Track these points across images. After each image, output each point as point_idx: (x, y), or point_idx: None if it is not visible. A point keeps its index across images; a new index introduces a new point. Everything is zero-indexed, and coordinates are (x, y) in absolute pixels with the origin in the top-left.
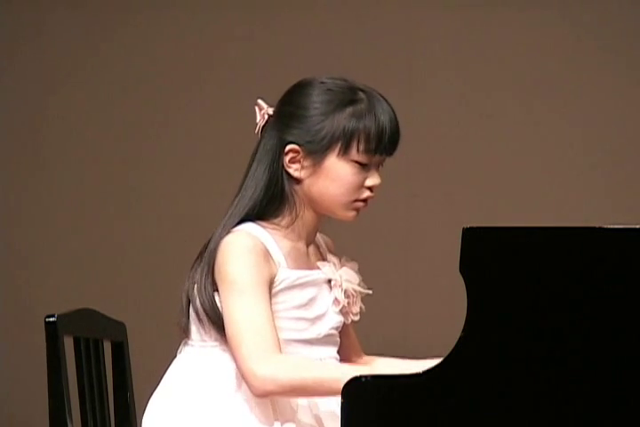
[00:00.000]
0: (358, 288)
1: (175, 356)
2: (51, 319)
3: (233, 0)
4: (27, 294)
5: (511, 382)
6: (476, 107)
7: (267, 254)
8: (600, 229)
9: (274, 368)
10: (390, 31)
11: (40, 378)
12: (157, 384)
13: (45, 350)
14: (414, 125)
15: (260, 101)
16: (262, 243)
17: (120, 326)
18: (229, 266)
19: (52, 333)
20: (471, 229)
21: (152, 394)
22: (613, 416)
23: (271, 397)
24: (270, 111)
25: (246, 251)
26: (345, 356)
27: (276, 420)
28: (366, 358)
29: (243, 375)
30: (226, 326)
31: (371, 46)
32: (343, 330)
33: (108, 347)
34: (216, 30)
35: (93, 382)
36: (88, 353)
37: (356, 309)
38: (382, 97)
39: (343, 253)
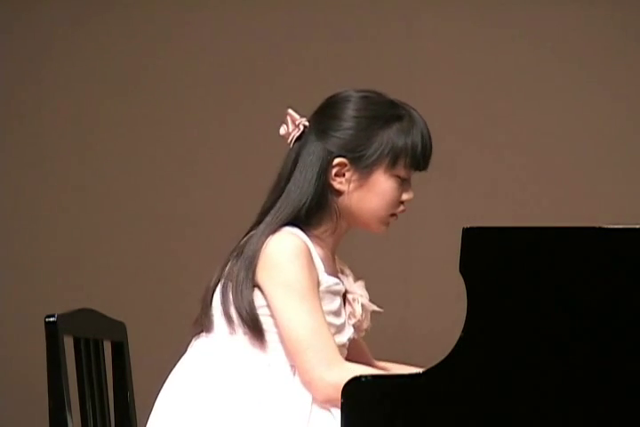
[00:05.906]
0: (373, 306)
1: (177, 352)
2: (51, 319)
3: (234, 1)
4: (27, 294)
5: (511, 382)
6: (475, 107)
7: (311, 257)
8: (600, 229)
9: (341, 375)
10: (390, 32)
11: (40, 378)
12: (157, 384)
13: (45, 350)
14: None
15: (291, 111)
16: (306, 245)
17: (120, 326)
18: (284, 268)
19: (52, 333)
20: (471, 229)
21: (152, 393)
22: (614, 416)
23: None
24: (305, 122)
25: (298, 252)
26: None
27: (291, 419)
28: (379, 364)
29: (308, 379)
30: (285, 331)
31: (371, 47)
32: (355, 345)
33: (108, 347)
34: (216, 31)
35: (93, 382)
36: (88, 353)
37: (366, 324)
38: (415, 110)
39: (342, 253)
